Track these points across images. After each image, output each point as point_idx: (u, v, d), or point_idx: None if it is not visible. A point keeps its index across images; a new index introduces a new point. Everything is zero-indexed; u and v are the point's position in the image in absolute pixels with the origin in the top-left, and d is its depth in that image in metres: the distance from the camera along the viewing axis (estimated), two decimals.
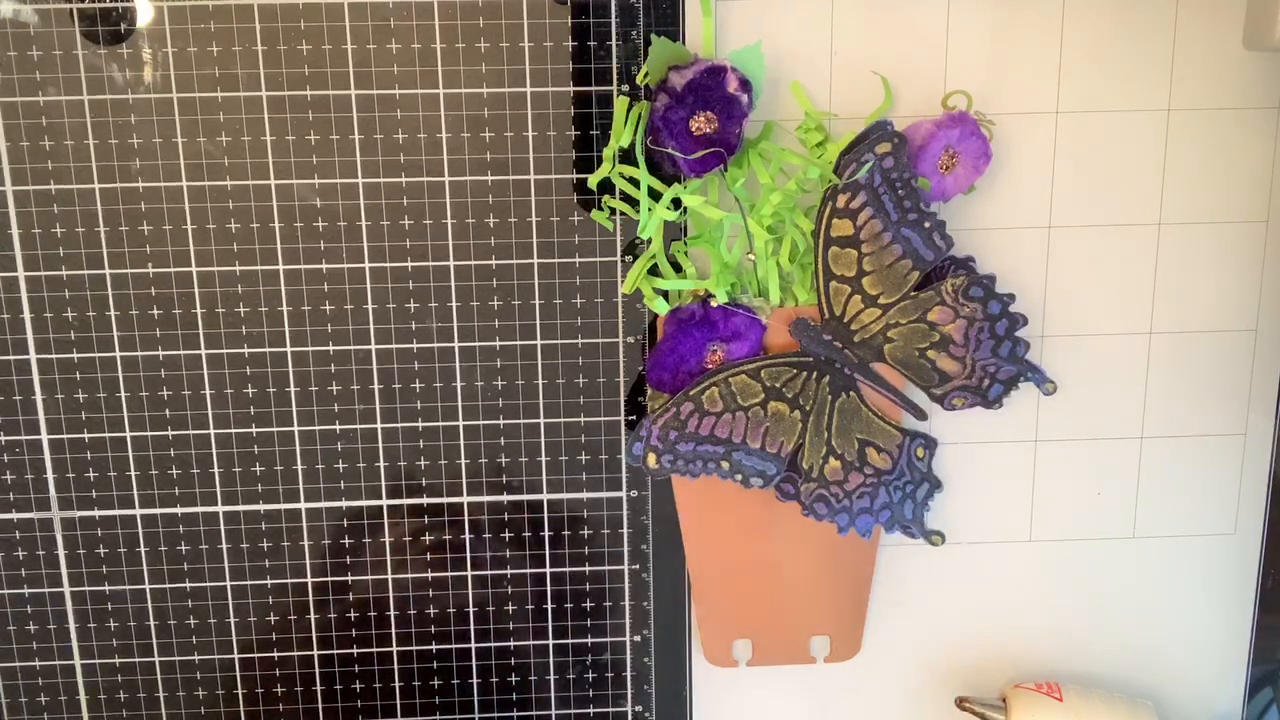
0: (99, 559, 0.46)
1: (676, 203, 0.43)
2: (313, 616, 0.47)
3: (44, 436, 0.45)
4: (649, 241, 0.44)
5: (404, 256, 0.44)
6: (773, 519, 0.47)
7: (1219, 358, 0.48)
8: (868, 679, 0.50)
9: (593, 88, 0.43)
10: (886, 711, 0.51)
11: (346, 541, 0.46)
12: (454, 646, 0.48)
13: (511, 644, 0.48)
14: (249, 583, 0.47)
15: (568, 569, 0.47)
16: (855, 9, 0.43)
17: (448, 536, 0.47)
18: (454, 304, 0.45)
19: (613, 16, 0.42)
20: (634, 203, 0.43)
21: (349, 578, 0.47)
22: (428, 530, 0.46)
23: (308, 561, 0.46)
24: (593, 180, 0.44)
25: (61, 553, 0.46)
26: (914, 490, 0.47)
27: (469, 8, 0.42)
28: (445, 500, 0.46)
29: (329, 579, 0.47)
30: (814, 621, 0.48)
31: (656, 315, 0.45)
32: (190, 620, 0.47)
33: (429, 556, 0.47)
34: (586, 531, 0.47)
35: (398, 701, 0.48)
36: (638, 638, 0.48)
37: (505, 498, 0.46)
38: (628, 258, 0.45)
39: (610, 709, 0.49)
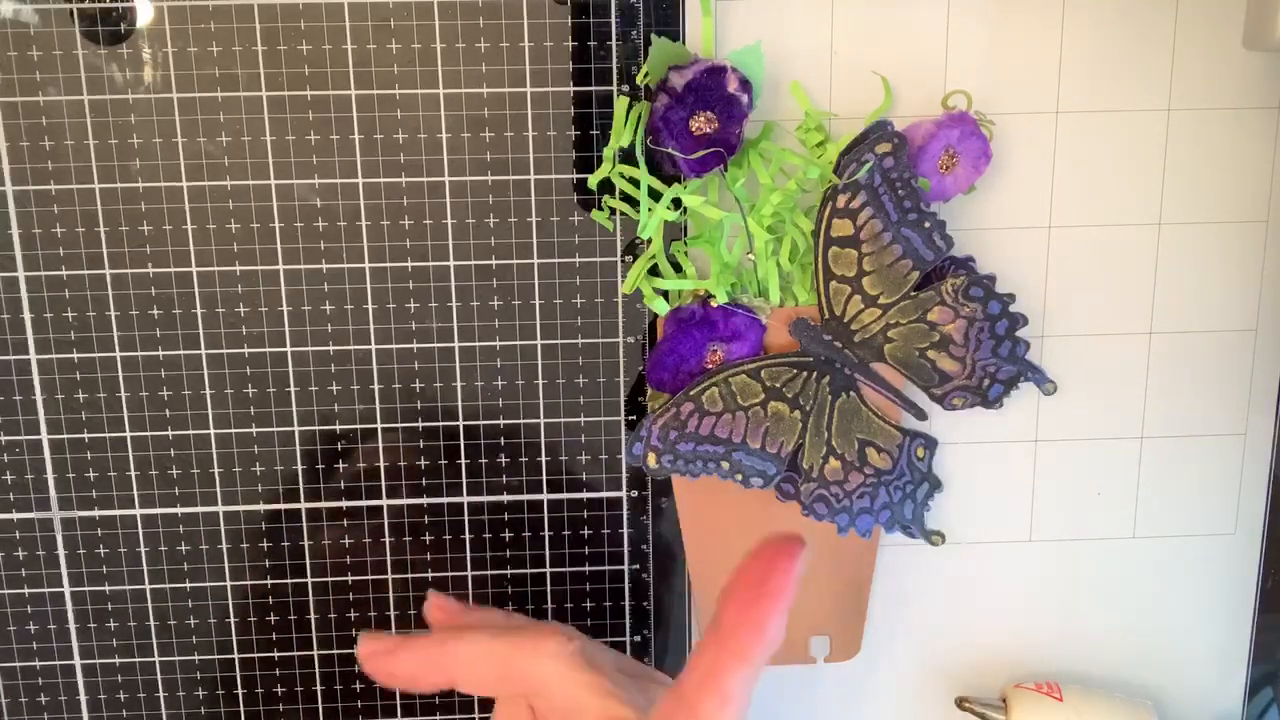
0: (99, 559, 0.46)
1: (676, 203, 0.43)
2: (313, 616, 0.47)
3: (44, 436, 0.45)
4: (649, 241, 0.44)
5: (404, 256, 0.44)
6: (773, 519, 0.47)
7: (1219, 358, 0.48)
8: (868, 679, 0.50)
9: (593, 88, 0.43)
10: (886, 711, 0.51)
11: (347, 541, 0.46)
12: None
13: None
14: (249, 583, 0.47)
15: (568, 569, 0.47)
16: (855, 9, 0.43)
17: (448, 536, 0.47)
18: (454, 304, 0.45)
19: (613, 16, 0.42)
20: (634, 203, 0.43)
21: (349, 578, 0.47)
22: (427, 530, 0.46)
23: (308, 561, 0.46)
24: (593, 180, 0.44)
25: (61, 553, 0.46)
26: (914, 490, 0.47)
27: (469, 8, 0.42)
28: (445, 500, 0.46)
29: (329, 579, 0.47)
30: (814, 621, 0.48)
31: (656, 315, 0.45)
32: (190, 620, 0.47)
33: (429, 556, 0.47)
34: (586, 531, 0.47)
35: (398, 701, 0.48)
36: (638, 638, 0.48)
37: (505, 498, 0.46)
38: (628, 258, 0.45)
39: None
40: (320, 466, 0.46)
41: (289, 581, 0.47)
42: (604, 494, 0.47)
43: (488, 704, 0.48)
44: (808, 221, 0.44)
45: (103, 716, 0.47)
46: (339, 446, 0.46)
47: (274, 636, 0.47)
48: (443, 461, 0.46)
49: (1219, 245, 0.46)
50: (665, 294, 0.44)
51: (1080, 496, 0.49)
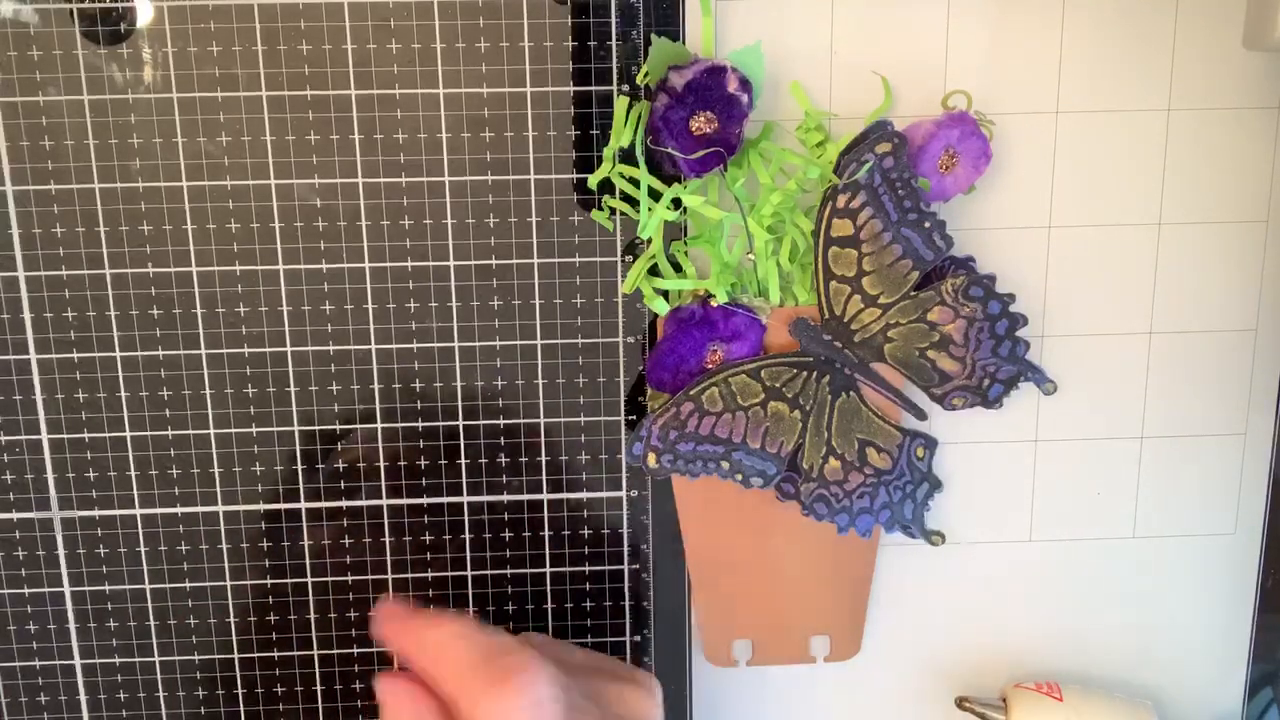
0: (99, 559, 0.46)
1: (676, 203, 0.43)
2: (313, 616, 0.47)
3: (44, 436, 0.45)
4: (649, 241, 0.44)
5: (404, 256, 0.44)
6: (773, 519, 0.47)
7: (1219, 358, 0.48)
8: (868, 679, 0.50)
9: (593, 88, 0.43)
10: (886, 711, 0.51)
11: (347, 541, 0.46)
12: None
13: None
14: (249, 582, 0.47)
15: (568, 569, 0.47)
16: (855, 9, 0.43)
17: (448, 536, 0.47)
18: (454, 304, 0.45)
19: (613, 16, 0.42)
20: (634, 203, 0.43)
21: (349, 578, 0.47)
22: (427, 530, 0.46)
23: (308, 561, 0.46)
24: (593, 180, 0.44)
25: (61, 553, 0.46)
26: (914, 490, 0.47)
27: (469, 8, 0.42)
28: (445, 500, 0.46)
29: (329, 579, 0.47)
30: (814, 621, 0.48)
31: (656, 315, 0.45)
32: (190, 620, 0.47)
33: (429, 556, 0.47)
34: (586, 531, 0.47)
35: None
36: (638, 638, 0.48)
37: (505, 497, 0.46)
38: (628, 258, 0.45)
39: None
40: (320, 466, 0.46)
41: (289, 581, 0.47)
42: (604, 494, 0.47)
43: None
44: (808, 221, 0.44)
45: (103, 716, 0.47)
46: (338, 446, 0.46)
47: (274, 636, 0.47)
48: (443, 461, 0.46)
49: (1219, 245, 0.46)
50: (665, 294, 0.44)
51: (1080, 496, 0.49)
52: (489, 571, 0.47)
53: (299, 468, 0.46)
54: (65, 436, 0.45)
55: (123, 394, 0.45)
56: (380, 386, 0.45)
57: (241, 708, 0.48)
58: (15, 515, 0.45)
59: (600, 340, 0.45)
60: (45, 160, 0.42)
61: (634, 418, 0.46)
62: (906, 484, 0.46)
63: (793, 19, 0.43)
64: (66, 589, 0.46)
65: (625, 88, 0.43)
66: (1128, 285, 0.47)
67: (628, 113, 0.42)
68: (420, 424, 0.46)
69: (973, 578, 0.49)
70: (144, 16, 0.41)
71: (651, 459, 0.44)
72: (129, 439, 0.45)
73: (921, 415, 0.46)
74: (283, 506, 0.46)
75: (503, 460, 0.46)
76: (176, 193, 0.43)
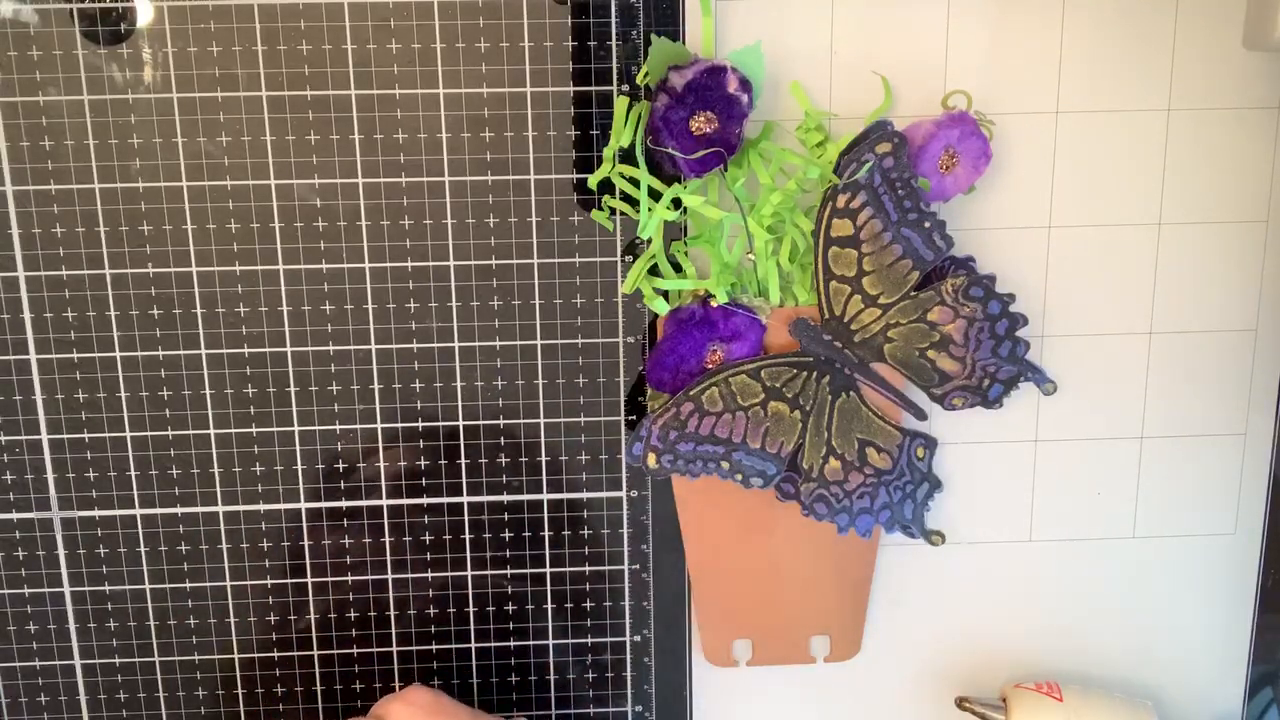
0: (99, 559, 0.46)
1: (676, 203, 0.43)
2: (313, 616, 0.47)
3: (44, 436, 0.45)
4: (649, 241, 0.44)
5: (404, 256, 0.44)
6: (773, 519, 0.47)
7: (1219, 358, 0.48)
8: (868, 679, 0.50)
9: (593, 88, 0.43)
10: (886, 711, 0.51)
11: (347, 541, 0.46)
12: (454, 646, 0.48)
13: (511, 644, 0.48)
14: (249, 583, 0.47)
15: (568, 569, 0.47)
16: (855, 9, 0.43)
17: (448, 536, 0.47)
18: (454, 304, 0.45)
19: (613, 16, 0.42)
20: (634, 203, 0.43)
21: (349, 578, 0.47)
22: (427, 530, 0.46)
23: (308, 561, 0.46)
24: (593, 180, 0.44)
25: (61, 553, 0.46)
26: (914, 490, 0.47)
27: (469, 8, 0.42)
28: (445, 500, 0.46)
29: (329, 579, 0.47)
30: (814, 621, 0.48)
31: (656, 315, 0.45)
32: (190, 620, 0.47)
33: (429, 556, 0.47)
34: (586, 531, 0.47)
35: None
36: (638, 638, 0.48)
37: (505, 498, 0.46)
38: (628, 258, 0.45)
39: (610, 709, 0.49)
40: (320, 466, 0.46)
41: (289, 581, 0.47)
42: (604, 494, 0.47)
43: (487, 704, 0.48)
44: (808, 221, 0.44)
45: (103, 716, 0.47)
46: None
47: (274, 636, 0.47)
48: (443, 462, 0.46)
49: (1219, 245, 0.46)
50: (665, 294, 0.44)
51: (1080, 496, 0.49)
52: (489, 571, 0.47)
53: (299, 468, 0.46)
54: (65, 436, 0.45)
55: (123, 394, 0.45)
56: (380, 386, 0.45)
57: (241, 708, 0.48)
58: (15, 515, 0.45)
59: (600, 340, 0.45)
60: (45, 160, 0.42)
61: (634, 418, 0.46)
62: (906, 484, 0.46)
63: (793, 19, 0.43)
64: (66, 589, 0.46)
65: (625, 88, 0.43)
66: (1128, 285, 0.47)
67: (628, 113, 0.42)
68: (420, 424, 0.46)
69: (973, 578, 0.49)
70: (144, 16, 0.41)
71: (651, 459, 0.44)
72: (129, 439, 0.45)
73: (921, 415, 0.46)
74: (283, 507, 0.46)
75: (503, 460, 0.46)
76: (176, 193, 0.43)
